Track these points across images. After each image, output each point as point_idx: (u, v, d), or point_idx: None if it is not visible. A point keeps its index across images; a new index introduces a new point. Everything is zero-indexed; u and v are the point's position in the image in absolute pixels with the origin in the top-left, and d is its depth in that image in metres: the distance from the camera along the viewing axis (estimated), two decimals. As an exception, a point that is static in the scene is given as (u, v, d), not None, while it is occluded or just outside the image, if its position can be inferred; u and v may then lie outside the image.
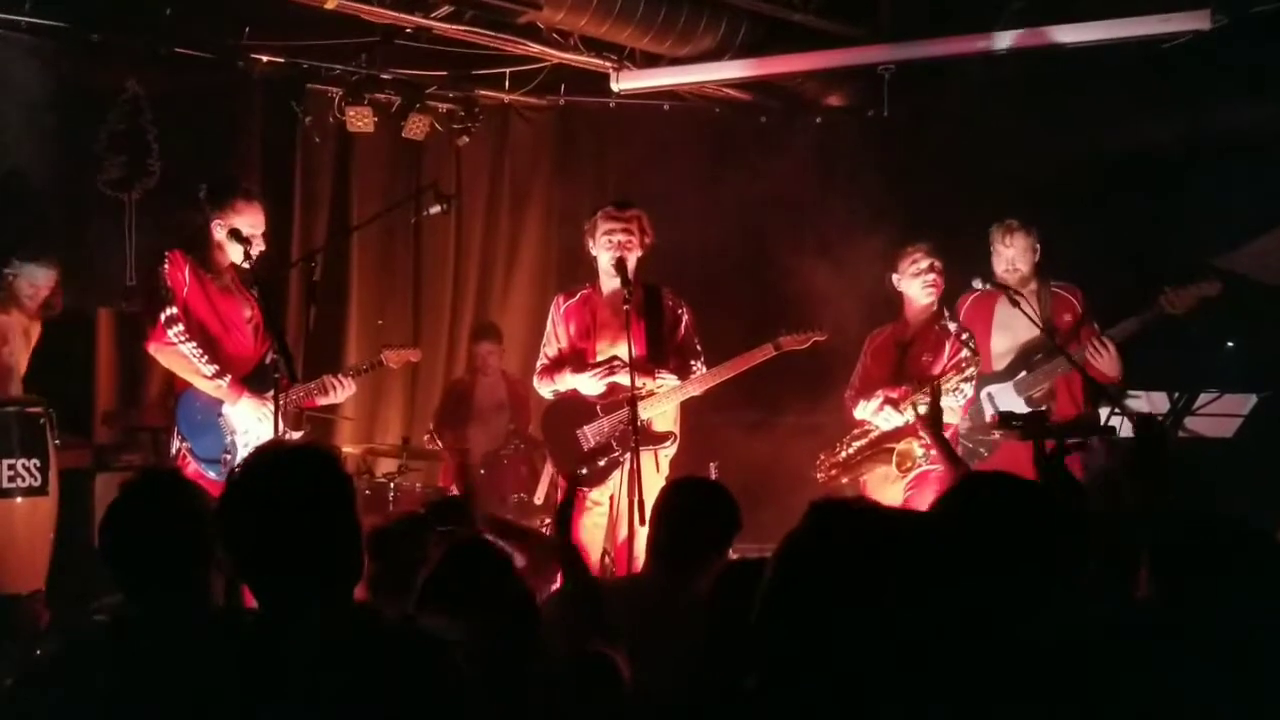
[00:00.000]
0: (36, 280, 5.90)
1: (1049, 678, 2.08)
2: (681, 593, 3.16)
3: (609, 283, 5.31)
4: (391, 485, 6.47)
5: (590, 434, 5.25)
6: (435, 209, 5.85)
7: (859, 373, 5.59)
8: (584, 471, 5.23)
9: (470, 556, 2.46)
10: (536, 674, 2.35)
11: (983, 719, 1.93)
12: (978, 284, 5.31)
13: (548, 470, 6.38)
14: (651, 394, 5.18)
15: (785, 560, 1.80)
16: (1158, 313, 5.02)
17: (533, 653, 2.37)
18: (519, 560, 3.25)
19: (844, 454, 5.44)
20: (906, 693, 1.70)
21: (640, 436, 4.96)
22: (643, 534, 4.32)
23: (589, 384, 5.25)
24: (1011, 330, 5.40)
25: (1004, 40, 6.56)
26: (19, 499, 5.23)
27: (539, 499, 6.65)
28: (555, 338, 5.41)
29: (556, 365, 5.36)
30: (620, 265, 5.17)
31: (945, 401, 5.15)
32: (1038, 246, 5.42)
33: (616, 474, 5.17)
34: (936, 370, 5.27)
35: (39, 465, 5.28)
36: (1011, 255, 5.39)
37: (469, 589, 2.26)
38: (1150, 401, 4.71)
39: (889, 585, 1.72)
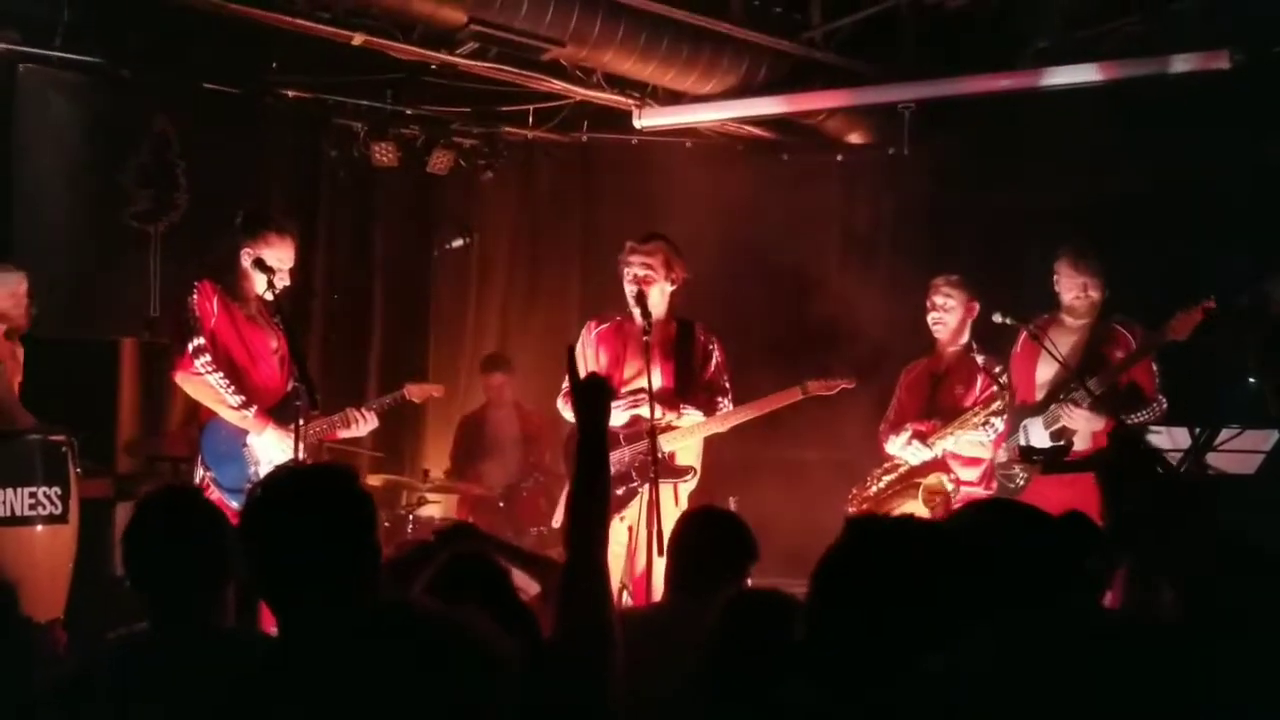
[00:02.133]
0: (9, 285, 5.44)
1: (1088, 692, 2.07)
2: (700, 622, 3.15)
3: (637, 314, 5.32)
4: (411, 518, 6.48)
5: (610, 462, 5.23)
6: (457, 243, 5.89)
7: (893, 406, 5.60)
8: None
9: (468, 566, 2.46)
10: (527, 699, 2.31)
11: None
12: (997, 318, 5.30)
13: (565, 495, 6.35)
14: (672, 427, 5.18)
15: (826, 576, 1.79)
16: (1162, 339, 5.08)
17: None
18: (533, 589, 3.24)
19: (874, 489, 5.45)
20: (950, 703, 1.69)
21: (660, 469, 4.95)
22: (661, 565, 4.31)
23: (613, 414, 5.23)
24: (1054, 363, 5.34)
25: (1025, 79, 6.57)
26: (39, 527, 5.21)
27: (556, 523, 6.63)
28: (584, 360, 5.41)
29: None
30: (640, 298, 5.19)
31: (975, 436, 5.16)
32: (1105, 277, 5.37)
33: (635, 504, 5.17)
34: (968, 403, 5.29)
35: (60, 493, 5.26)
36: (1084, 282, 5.30)
37: (462, 596, 2.24)
38: (1172, 437, 4.68)
39: (929, 597, 1.71)
